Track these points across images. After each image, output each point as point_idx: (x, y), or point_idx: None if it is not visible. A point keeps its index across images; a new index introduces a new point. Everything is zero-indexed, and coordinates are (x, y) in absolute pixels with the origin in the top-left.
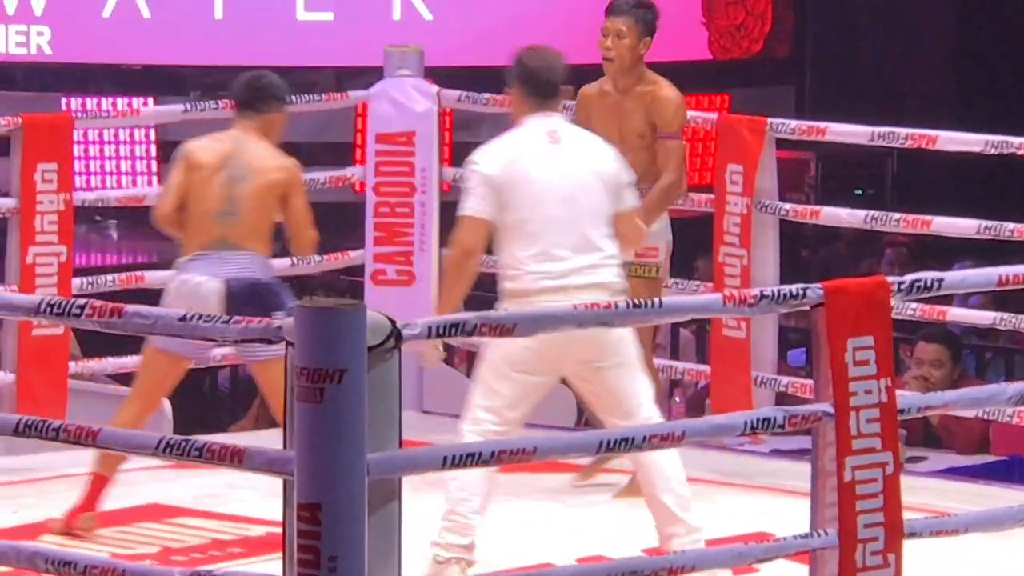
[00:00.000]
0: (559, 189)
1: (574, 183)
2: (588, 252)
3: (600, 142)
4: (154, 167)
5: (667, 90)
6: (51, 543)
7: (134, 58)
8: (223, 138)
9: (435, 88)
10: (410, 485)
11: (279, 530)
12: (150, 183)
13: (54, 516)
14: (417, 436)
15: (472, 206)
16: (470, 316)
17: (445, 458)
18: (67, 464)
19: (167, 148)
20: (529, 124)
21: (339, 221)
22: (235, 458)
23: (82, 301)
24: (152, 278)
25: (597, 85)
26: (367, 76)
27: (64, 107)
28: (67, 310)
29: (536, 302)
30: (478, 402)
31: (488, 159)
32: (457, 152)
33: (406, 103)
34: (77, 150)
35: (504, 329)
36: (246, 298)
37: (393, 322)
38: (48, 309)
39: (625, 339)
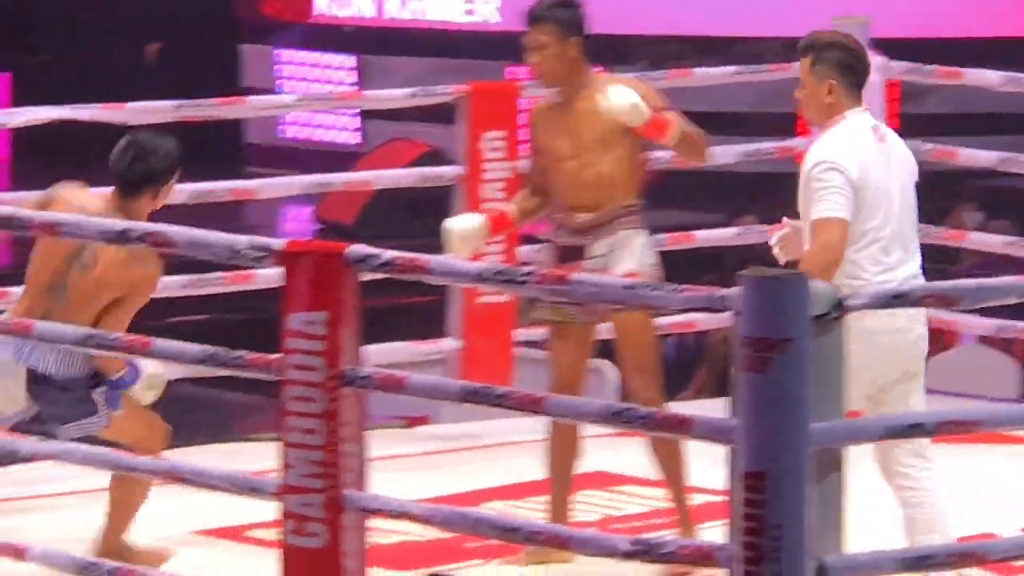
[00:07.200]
0: (897, 194)
1: (904, 188)
2: (913, 261)
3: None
4: None
5: (624, 82)
6: (495, 509)
7: None
8: (91, 203)
9: (881, 59)
10: (852, 455)
11: (718, 499)
12: None
13: (500, 483)
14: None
15: (840, 208)
16: (916, 286)
17: (887, 428)
18: (512, 431)
19: None
20: (854, 120)
21: (786, 192)
22: (681, 426)
23: (527, 268)
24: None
25: (546, 101)
26: None
27: (508, 76)
28: (512, 277)
29: (873, 316)
30: None
31: (845, 159)
32: (905, 124)
33: None
34: (522, 118)
35: (949, 300)
36: (47, 390)
37: (838, 292)
38: (494, 276)
39: None
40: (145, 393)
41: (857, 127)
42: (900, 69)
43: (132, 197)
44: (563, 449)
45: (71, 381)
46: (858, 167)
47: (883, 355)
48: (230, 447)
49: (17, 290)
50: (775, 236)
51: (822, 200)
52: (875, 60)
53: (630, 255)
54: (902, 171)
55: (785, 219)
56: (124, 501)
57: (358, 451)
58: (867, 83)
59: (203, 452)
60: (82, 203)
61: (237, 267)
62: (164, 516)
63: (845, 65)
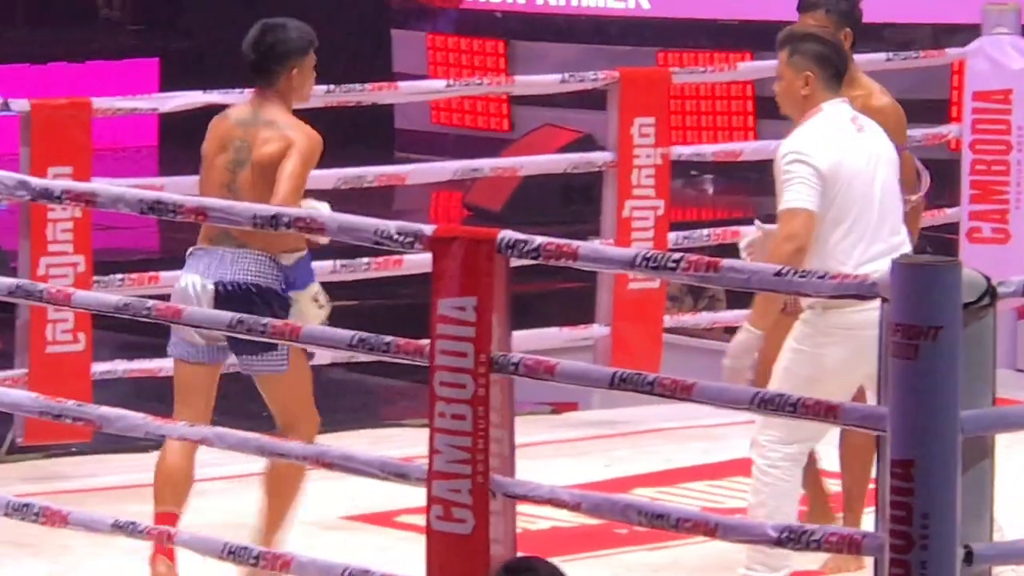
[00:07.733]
0: (875, 186)
1: (884, 180)
2: (896, 253)
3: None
4: (751, 122)
5: (882, 97)
6: (643, 496)
7: (732, 13)
8: (232, 113)
9: None
10: (1003, 443)
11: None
12: (746, 138)
13: (649, 470)
14: (1010, 394)
15: (807, 199)
16: None
17: None
18: (661, 418)
19: (764, 104)
20: (830, 111)
21: (934, 178)
22: (829, 413)
23: (678, 255)
24: (746, 233)
25: None
26: (964, 33)
27: (659, 62)
28: (663, 264)
29: (859, 310)
30: None
31: (814, 150)
32: None
33: (1003, 61)
34: (673, 104)
35: None
36: (240, 303)
37: (988, 280)
38: (644, 262)
39: None
40: (311, 305)
41: (834, 118)
42: None
43: (268, 81)
44: None
45: (263, 292)
46: (828, 159)
47: (870, 350)
48: (378, 432)
49: (168, 274)
50: (744, 240)
51: (787, 191)
52: None
53: None
54: (881, 162)
55: (756, 222)
56: (280, 496)
57: (506, 437)
58: (845, 76)
59: (351, 437)
60: (232, 114)
61: (384, 252)
62: (312, 501)
63: (822, 57)
